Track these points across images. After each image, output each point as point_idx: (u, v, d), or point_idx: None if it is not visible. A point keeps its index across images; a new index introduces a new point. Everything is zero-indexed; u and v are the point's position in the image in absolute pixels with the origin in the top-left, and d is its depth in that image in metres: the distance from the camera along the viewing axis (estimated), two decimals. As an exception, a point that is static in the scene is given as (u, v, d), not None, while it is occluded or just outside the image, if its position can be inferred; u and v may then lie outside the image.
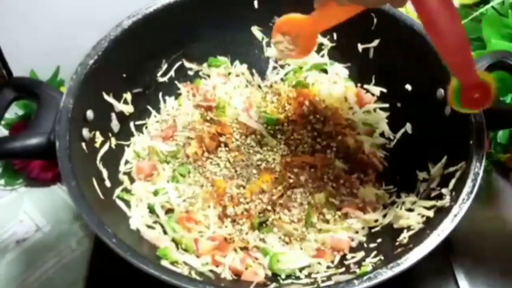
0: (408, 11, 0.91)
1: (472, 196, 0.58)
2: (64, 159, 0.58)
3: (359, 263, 0.63)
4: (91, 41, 0.69)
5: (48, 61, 0.89)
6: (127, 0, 0.74)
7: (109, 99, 0.71)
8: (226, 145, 0.75)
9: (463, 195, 0.58)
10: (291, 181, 0.71)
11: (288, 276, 0.64)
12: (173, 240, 0.66)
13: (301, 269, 0.65)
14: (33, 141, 0.61)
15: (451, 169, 0.64)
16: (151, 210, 0.68)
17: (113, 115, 0.72)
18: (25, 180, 0.87)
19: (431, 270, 0.72)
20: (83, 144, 0.65)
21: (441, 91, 0.70)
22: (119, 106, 0.72)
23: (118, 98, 0.72)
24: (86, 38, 0.69)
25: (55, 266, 0.78)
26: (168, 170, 0.72)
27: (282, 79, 0.83)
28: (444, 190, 0.63)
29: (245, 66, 0.84)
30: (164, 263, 0.59)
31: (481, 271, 0.74)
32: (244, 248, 0.67)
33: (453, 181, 0.62)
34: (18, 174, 0.87)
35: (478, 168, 0.60)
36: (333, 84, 0.81)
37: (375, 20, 0.76)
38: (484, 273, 0.74)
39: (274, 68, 0.85)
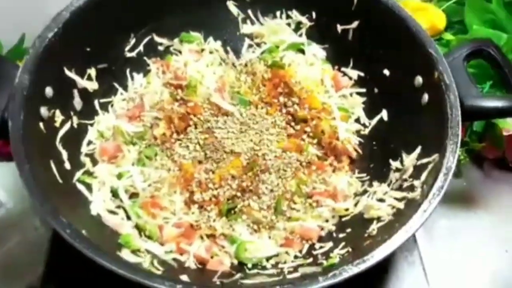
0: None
1: (443, 191, 0.57)
2: (16, 140, 0.55)
3: (327, 254, 0.62)
4: (60, 9, 0.65)
5: (14, 28, 0.83)
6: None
7: (71, 74, 0.67)
8: (196, 126, 0.72)
9: (434, 189, 0.57)
10: (262, 167, 0.68)
11: (255, 266, 0.63)
12: (137, 227, 0.63)
13: (268, 259, 0.64)
14: (-14, 119, 0.58)
15: (424, 160, 0.63)
16: (114, 194, 0.65)
17: (76, 92, 0.68)
18: (-13, 155, 0.83)
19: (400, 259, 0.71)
20: (41, 124, 0.61)
21: (419, 79, 0.68)
22: (82, 83, 0.69)
23: (81, 73, 0.69)
24: (55, 5, 0.65)
25: (18, 244, 0.76)
26: (134, 152, 0.69)
27: (258, 58, 0.80)
28: (416, 182, 0.62)
29: (219, 43, 0.81)
30: (125, 252, 0.57)
31: (451, 261, 0.75)
32: (211, 236, 0.65)
33: (425, 174, 0.61)
34: (-21, 149, 0.83)
35: (451, 162, 0.59)
36: (310, 65, 0.78)
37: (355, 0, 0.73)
38: (454, 264, 0.74)
39: (250, 46, 0.82)
